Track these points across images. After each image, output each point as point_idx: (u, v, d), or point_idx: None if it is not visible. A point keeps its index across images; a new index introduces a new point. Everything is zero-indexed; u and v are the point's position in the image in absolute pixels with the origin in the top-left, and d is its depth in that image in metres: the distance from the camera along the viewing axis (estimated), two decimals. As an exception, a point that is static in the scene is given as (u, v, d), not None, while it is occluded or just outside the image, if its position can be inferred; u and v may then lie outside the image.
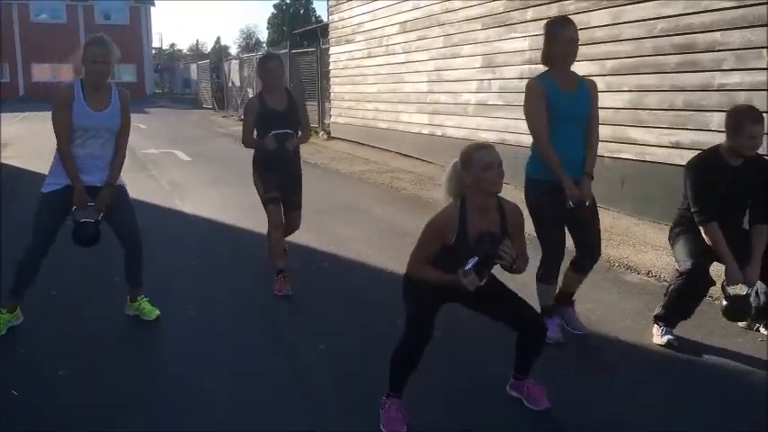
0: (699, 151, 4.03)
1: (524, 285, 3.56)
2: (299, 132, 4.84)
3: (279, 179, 4.74)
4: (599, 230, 3.85)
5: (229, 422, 3.06)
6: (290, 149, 4.65)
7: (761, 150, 3.68)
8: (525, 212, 3.19)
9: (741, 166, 3.63)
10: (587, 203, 3.68)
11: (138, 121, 13.39)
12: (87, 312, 4.30)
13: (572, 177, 3.61)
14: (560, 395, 3.17)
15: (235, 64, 24.83)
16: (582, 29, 7.71)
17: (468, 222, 2.88)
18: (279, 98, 4.70)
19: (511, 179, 3.19)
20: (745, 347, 3.73)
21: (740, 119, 3.59)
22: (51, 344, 3.84)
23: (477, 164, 2.83)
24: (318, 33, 20.11)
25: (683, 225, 3.80)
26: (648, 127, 6.64)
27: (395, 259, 4.92)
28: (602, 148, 6.85)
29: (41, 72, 40.99)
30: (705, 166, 3.70)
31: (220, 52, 52.75)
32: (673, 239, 3.87)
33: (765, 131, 3.65)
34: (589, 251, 3.83)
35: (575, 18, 7.61)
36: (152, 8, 46.17)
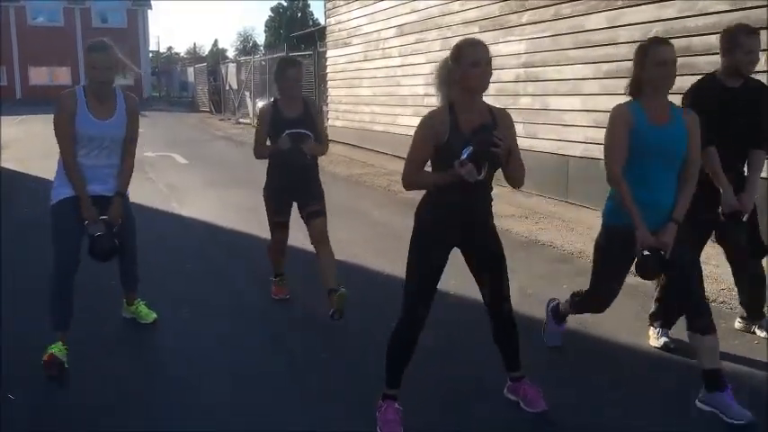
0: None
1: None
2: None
3: (291, 195, 4.41)
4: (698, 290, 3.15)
5: (229, 422, 3.07)
6: (306, 154, 4.21)
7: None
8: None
9: (740, 89, 3.54)
10: (665, 255, 3.08)
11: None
12: (85, 315, 4.29)
13: (655, 223, 3.09)
14: (557, 397, 3.18)
15: (232, 67, 24.86)
16: (578, 32, 7.82)
17: (460, 120, 2.84)
18: (294, 106, 4.29)
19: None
20: (741, 349, 3.74)
21: (735, 34, 3.51)
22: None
23: (466, 59, 2.81)
24: (316, 37, 20.15)
25: None
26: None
27: (393, 262, 4.93)
28: (598, 151, 6.91)
29: (38, 75, 41.02)
30: (703, 92, 3.55)
31: (218, 55, 52.71)
32: None
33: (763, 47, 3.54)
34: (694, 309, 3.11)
35: (569, 21, 7.72)
36: (149, 11, 46.19)
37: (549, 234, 6.44)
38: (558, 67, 7.98)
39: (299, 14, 64.33)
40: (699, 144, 3.17)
